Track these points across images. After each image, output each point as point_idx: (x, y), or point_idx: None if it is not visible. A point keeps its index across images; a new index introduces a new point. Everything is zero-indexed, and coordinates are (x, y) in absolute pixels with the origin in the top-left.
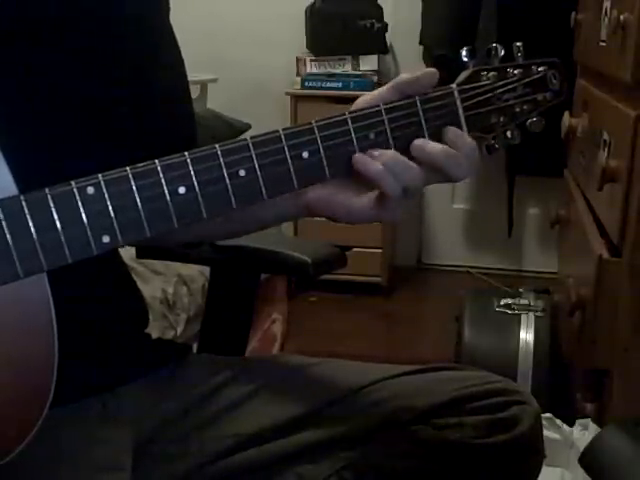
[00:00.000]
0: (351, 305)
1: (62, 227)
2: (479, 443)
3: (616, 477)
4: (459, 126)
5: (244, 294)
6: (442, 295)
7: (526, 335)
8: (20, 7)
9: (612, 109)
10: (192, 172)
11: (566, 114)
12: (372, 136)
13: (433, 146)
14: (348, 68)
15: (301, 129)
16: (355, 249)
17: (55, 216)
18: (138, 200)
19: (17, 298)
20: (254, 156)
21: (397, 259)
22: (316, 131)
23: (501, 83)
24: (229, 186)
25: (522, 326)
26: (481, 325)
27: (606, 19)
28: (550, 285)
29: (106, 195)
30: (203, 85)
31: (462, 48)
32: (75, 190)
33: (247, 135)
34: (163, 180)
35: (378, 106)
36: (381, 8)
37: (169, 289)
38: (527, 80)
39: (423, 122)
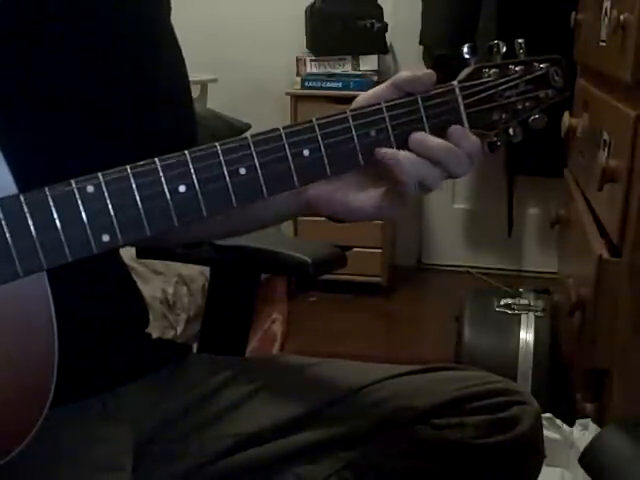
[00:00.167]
0: (351, 305)
1: (62, 226)
2: (479, 443)
3: (616, 477)
4: (461, 123)
5: (244, 294)
6: (442, 295)
7: (526, 335)
8: (20, 7)
9: (612, 109)
10: (192, 170)
11: (566, 114)
12: (373, 133)
13: (432, 140)
14: (348, 68)
15: (302, 127)
16: (355, 249)
17: (55, 215)
18: (138, 199)
19: (17, 297)
20: (254, 154)
21: (397, 259)
22: (317, 129)
23: (503, 80)
24: (229, 184)
25: (522, 326)
26: (481, 325)
27: (606, 19)
28: (550, 285)
29: (106, 194)
30: (203, 85)
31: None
32: (75, 189)
33: (247, 135)
34: (163, 178)
35: (379, 104)
36: (381, 8)
37: (169, 289)
38: (529, 77)
39: (424, 119)
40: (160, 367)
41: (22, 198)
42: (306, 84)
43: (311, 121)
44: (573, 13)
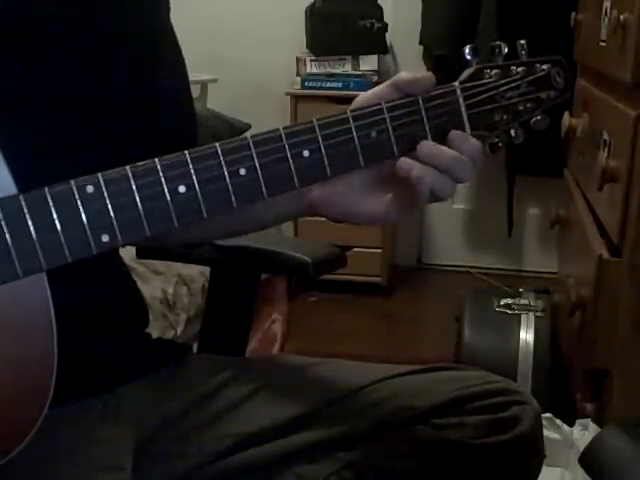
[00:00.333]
0: (351, 305)
1: (61, 226)
2: (479, 443)
3: (616, 477)
4: (462, 124)
5: (244, 294)
6: (442, 295)
7: (526, 335)
8: (20, 7)
9: (612, 109)
10: (192, 171)
11: (566, 114)
12: (374, 134)
13: (441, 150)
14: (348, 68)
15: (302, 128)
16: (355, 249)
17: (54, 215)
18: (138, 199)
19: (16, 298)
20: (254, 155)
21: (397, 259)
22: (317, 129)
23: (504, 81)
24: (229, 185)
25: (522, 326)
26: (481, 325)
27: (606, 19)
28: (550, 285)
29: (105, 194)
30: (203, 85)
31: (463, 47)
32: (74, 189)
33: (247, 135)
34: (163, 179)
35: (380, 104)
36: (381, 8)
37: (169, 289)
38: (531, 78)
39: (425, 120)
40: (160, 367)
41: (22, 198)
42: (306, 84)
43: (311, 122)
44: (573, 13)
